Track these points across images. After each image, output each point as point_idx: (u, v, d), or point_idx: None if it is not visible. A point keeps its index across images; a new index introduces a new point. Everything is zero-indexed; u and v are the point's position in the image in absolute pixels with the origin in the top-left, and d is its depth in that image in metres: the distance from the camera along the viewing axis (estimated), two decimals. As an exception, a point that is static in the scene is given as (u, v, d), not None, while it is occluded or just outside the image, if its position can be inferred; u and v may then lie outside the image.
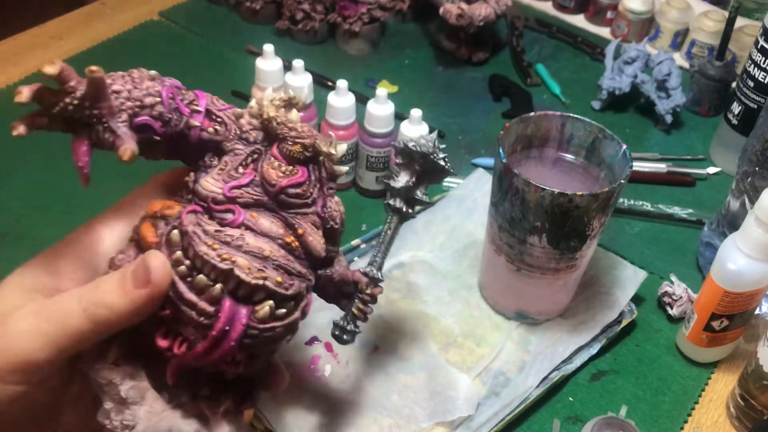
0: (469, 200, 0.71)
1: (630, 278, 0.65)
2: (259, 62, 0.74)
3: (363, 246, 0.67)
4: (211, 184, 0.37)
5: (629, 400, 0.59)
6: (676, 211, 0.77)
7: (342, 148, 0.41)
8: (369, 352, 0.59)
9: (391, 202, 0.48)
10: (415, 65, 0.95)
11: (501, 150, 0.54)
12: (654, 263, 0.70)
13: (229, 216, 0.36)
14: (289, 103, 0.39)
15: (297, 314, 0.37)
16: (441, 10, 0.89)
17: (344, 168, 0.42)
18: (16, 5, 1.21)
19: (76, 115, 0.34)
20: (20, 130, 0.32)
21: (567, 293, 0.62)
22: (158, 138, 0.37)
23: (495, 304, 0.63)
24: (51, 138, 0.37)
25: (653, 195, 0.78)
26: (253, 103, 0.40)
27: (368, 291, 0.47)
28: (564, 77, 0.94)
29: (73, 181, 0.35)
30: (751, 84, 0.76)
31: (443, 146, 0.48)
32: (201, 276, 0.34)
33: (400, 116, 0.71)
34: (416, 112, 0.67)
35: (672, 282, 0.66)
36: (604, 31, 1.03)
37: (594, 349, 0.61)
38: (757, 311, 0.65)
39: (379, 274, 0.47)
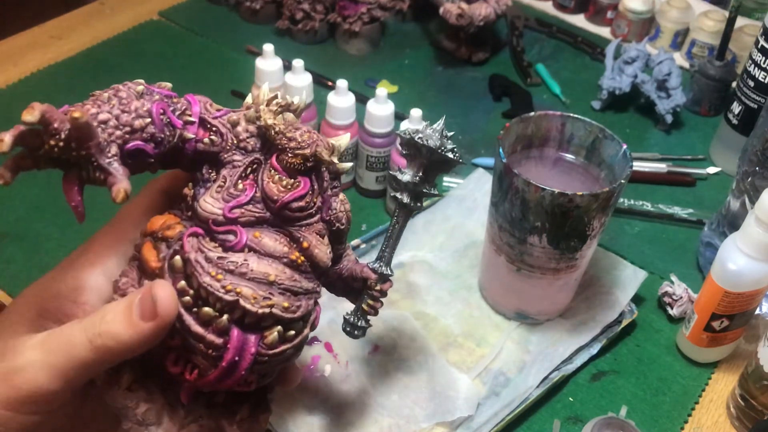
0: (469, 200, 0.71)
1: (630, 278, 0.65)
2: (259, 62, 0.74)
3: (363, 246, 0.67)
4: (210, 204, 0.35)
5: (629, 400, 0.59)
6: (677, 211, 0.77)
7: (344, 140, 0.39)
8: (369, 352, 0.59)
9: (398, 195, 0.47)
10: (415, 65, 0.95)
11: (501, 150, 0.54)
12: (654, 263, 0.70)
13: (231, 238, 0.34)
14: (287, 108, 0.38)
15: (306, 331, 0.37)
16: (441, 10, 0.89)
17: (348, 164, 0.40)
18: (16, 5, 1.20)
19: (62, 156, 0.32)
20: (6, 177, 0.31)
21: (567, 293, 0.62)
22: (152, 160, 0.35)
23: (495, 304, 0.63)
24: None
25: (653, 195, 0.78)
26: (249, 99, 0.38)
27: (377, 287, 0.46)
28: (564, 77, 0.94)
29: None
30: (752, 84, 0.76)
31: (451, 134, 0.46)
32: (207, 308, 0.33)
33: (400, 116, 0.71)
34: (416, 112, 0.67)
35: (672, 282, 0.66)
36: (605, 31, 1.03)
37: (594, 349, 0.61)
38: (757, 311, 0.65)
39: (387, 269, 0.46)
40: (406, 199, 0.46)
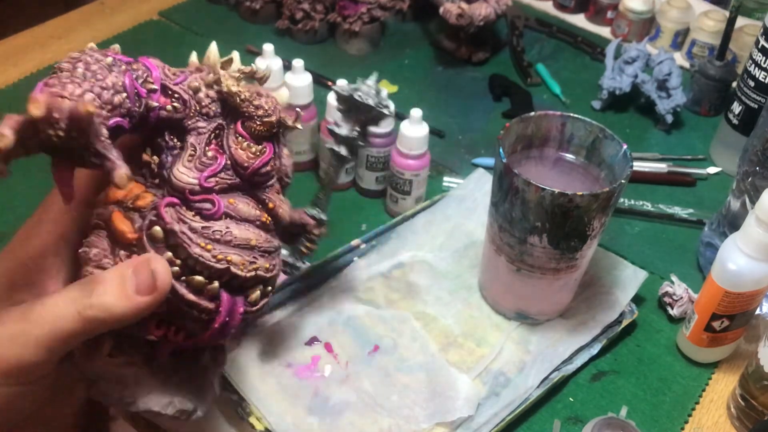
0: (469, 200, 0.71)
1: (630, 278, 0.65)
2: (259, 62, 0.74)
3: (363, 246, 0.67)
4: (185, 174, 0.35)
5: (630, 401, 0.59)
6: (677, 211, 0.77)
7: (284, 95, 0.39)
8: (369, 352, 0.59)
9: (335, 148, 0.50)
10: (415, 65, 0.95)
11: (501, 150, 0.54)
12: (654, 263, 0.70)
13: (208, 206, 0.35)
14: (252, 76, 0.38)
15: (277, 281, 0.39)
16: (441, 10, 0.89)
17: (300, 125, 0.41)
18: (16, 5, 1.20)
19: (59, 144, 0.31)
20: (3, 171, 0.29)
21: (567, 293, 0.62)
22: (126, 133, 0.34)
23: (495, 304, 0.63)
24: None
25: (653, 195, 0.78)
26: (194, 58, 0.37)
27: (315, 231, 0.49)
28: (564, 77, 0.94)
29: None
30: (752, 84, 0.76)
31: (384, 92, 0.50)
32: (198, 277, 0.34)
33: (400, 116, 0.71)
34: (416, 112, 0.67)
35: (672, 282, 0.66)
36: (605, 31, 1.03)
37: (594, 350, 0.61)
38: (757, 311, 0.65)
39: (323, 215, 0.49)
40: (343, 152, 0.49)
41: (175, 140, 0.36)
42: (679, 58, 0.98)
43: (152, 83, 0.35)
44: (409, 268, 0.66)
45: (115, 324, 0.33)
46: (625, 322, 0.63)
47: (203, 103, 0.37)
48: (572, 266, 0.57)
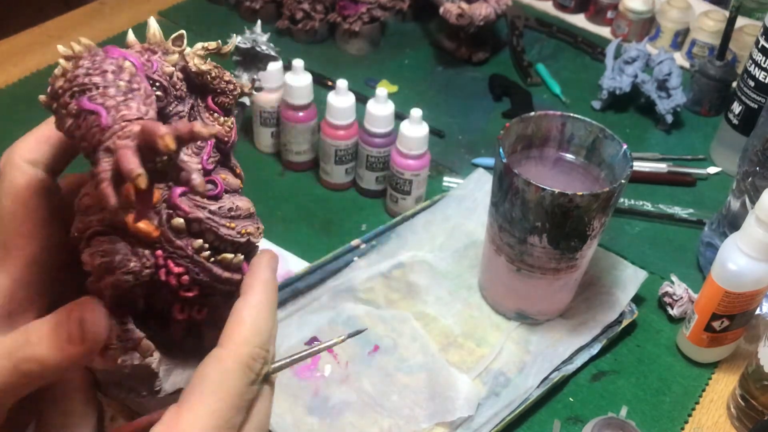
0: (469, 200, 0.71)
1: (630, 278, 0.65)
2: (259, 62, 0.74)
3: (363, 246, 0.67)
4: (188, 161, 0.35)
5: (630, 401, 0.59)
6: (677, 211, 0.77)
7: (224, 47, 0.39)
8: (369, 352, 0.59)
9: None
10: (415, 65, 0.95)
11: (501, 150, 0.54)
12: (654, 263, 0.70)
13: (211, 187, 0.36)
14: (219, 52, 0.38)
15: None
16: (441, 10, 0.89)
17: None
18: (16, 5, 1.20)
19: (161, 167, 0.28)
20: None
21: (567, 293, 0.62)
22: None
23: (495, 304, 0.63)
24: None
25: (654, 195, 0.78)
26: (132, 38, 0.35)
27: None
28: (564, 77, 0.94)
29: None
30: (752, 84, 0.76)
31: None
32: (227, 255, 0.35)
33: (400, 116, 0.71)
34: (416, 112, 0.67)
35: (672, 282, 0.66)
36: (605, 31, 1.03)
37: (594, 350, 0.61)
38: (757, 311, 0.65)
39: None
40: (247, 102, 0.51)
41: None
42: (679, 58, 0.98)
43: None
44: (409, 268, 0.66)
45: (53, 377, 0.30)
46: (625, 322, 0.63)
47: (177, 86, 0.36)
48: (572, 266, 0.57)
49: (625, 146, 0.56)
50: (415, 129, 0.68)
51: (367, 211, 0.74)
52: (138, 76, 0.31)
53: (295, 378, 0.56)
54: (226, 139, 0.37)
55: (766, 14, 0.74)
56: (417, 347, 0.59)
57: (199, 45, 0.38)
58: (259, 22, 0.56)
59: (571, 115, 0.58)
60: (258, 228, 0.37)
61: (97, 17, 0.98)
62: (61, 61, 0.32)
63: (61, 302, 0.32)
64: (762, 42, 0.74)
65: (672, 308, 0.65)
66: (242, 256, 0.36)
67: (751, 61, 0.76)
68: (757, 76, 0.76)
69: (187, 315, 0.36)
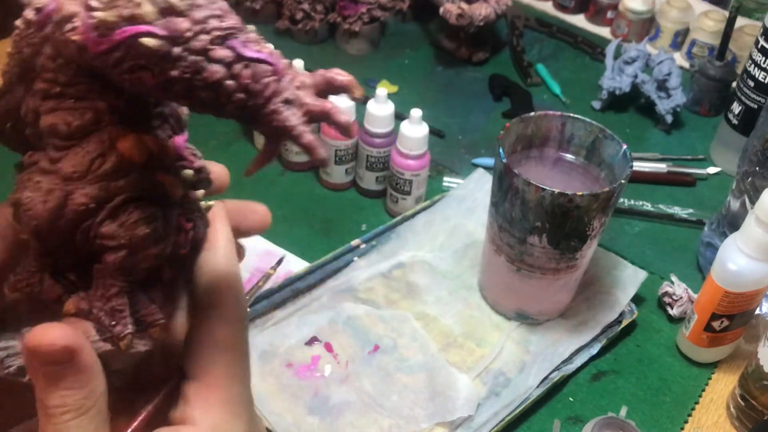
0: (469, 200, 0.71)
1: (630, 278, 0.65)
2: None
3: (363, 246, 0.67)
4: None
5: (629, 401, 0.59)
6: (677, 211, 0.77)
7: None
8: (369, 352, 0.59)
9: None
10: (415, 65, 0.95)
11: (501, 150, 0.54)
12: (654, 263, 0.70)
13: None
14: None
15: None
16: (441, 10, 0.89)
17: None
18: (16, 5, 1.20)
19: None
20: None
21: (567, 293, 0.62)
22: None
23: (495, 304, 0.63)
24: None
25: (653, 195, 0.78)
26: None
27: None
28: (564, 77, 0.94)
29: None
30: (752, 84, 0.76)
31: None
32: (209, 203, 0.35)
33: (400, 116, 0.71)
34: (416, 112, 0.67)
35: (672, 282, 0.66)
36: (605, 31, 1.03)
37: (594, 349, 0.61)
38: (757, 311, 0.65)
39: None
40: None
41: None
42: (679, 58, 0.98)
43: None
44: (409, 268, 0.66)
45: None
46: (624, 322, 0.63)
47: None
48: (572, 266, 0.58)
49: (624, 146, 0.56)
50: (415, 129, 0.68)
51: (367, 211, 0.74)
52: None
53: (295, 378, 0.56)
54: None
55: (766, 14, 0.74)
56: (417, 347, 0.59)
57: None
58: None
59: (571, 115, 0.59)
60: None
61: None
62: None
63: None
64: (762, 42, 0.74)
65: (672, 308, 0.65)
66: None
67: (750, 62, 0.76)
68: (756, 76, 0.76)
69: (172, 274, 0.31)
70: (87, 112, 0.30)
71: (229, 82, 0.27)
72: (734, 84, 0.84)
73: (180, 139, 0.31)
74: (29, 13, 0.31)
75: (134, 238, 0.30)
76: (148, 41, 0.27)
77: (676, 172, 0.81)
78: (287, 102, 0.27)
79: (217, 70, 0.27)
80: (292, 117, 0.27)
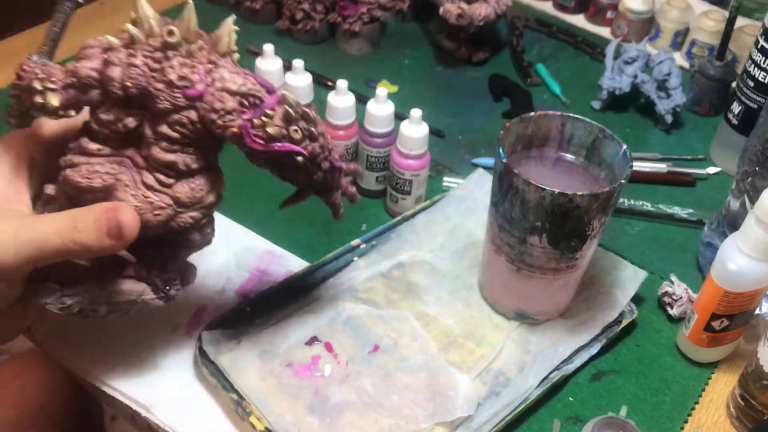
0: (469, 200, 0.71)
1: (630, 278, 0.65)
2: (259, 62, 0.74)
3: (363, 246, 0.67)
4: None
5: (629, 400, 0.59)
6: (677, 211, 0.77)
7: None
8: (369, 351, 0.59)
9: None
10: (415, 65, 0.95)
11: (501, 150, 0.54)
12: (654, 263, 0.70)
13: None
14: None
15: None
16: (441, 10, 0.89)
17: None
18: (16, 5, 1.20)
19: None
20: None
21: (567, 293, 0.62)
22: None
23: (495, 304, 0.63)
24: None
25: (653, 195, 0.78)
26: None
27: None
28: (564, 77, 0.94)
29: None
30: (752, 84, 0.76)
31: None
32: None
33: (400, 116, 0.71)
34: (416, 112, 0.67)
35: (672, 282, 0.66)
36: (604, 31, 1.03)
37: (594, 349, 0.61)
38: (757, 311, 0.65)
39: (44, 58, 0.49)
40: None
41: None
42: (679, 58, 0.98)
43: None
44: (409, 268, 0.66)
45: (93, 255, 0.44)
46: (624, 322, 0.63)
47: None
48: (572, 266, 0.58)
49: (624, 146, 0.56)
50: (415, 129, 0.68)
51: (367, 211, 0.74)
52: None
53: (295, 378, 0.56)
54: None
55: (766, 14, 0.74)
56: (417, 347, 0.59)
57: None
58: None
59: (571, 115, 0.59)
60: None
61: (97, 17, 0.98)
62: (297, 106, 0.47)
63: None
64: (761, 42, 0.74)
65: (672, 308, 0.65)
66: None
67: (750, 62, 0.76)
68: (756, 76, 0.76)
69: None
70: (200, 160, 0.46)
71: (320, 179, 0.51)
72: (734, 84, 0.84)
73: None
74: (171, 74, 0.44)
75: (204, 243, 0.51)
76: (298, 159, 0.47)
77: (676, 172, 0.81)
78: (338, 188, 0.54)
79: (320, 175, 0.50)
80: (338, 198, 0.55)
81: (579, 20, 1.05)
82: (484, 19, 0.89)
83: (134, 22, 0.46)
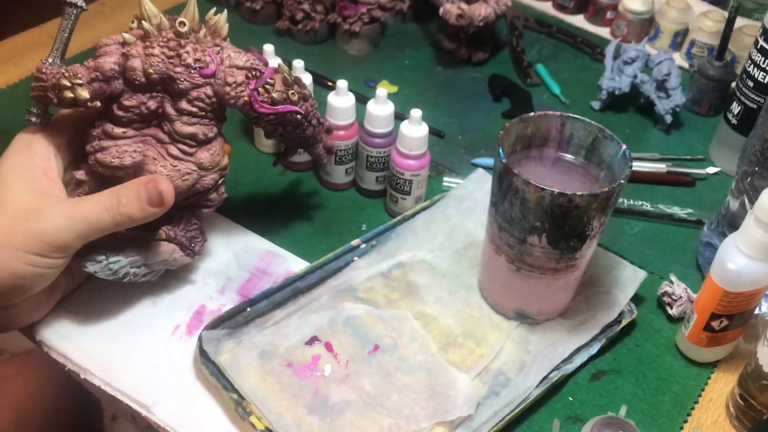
0: (469, 200, 0.72)
1: (630, 278, 0.65)
2: (259, 62, 0.74)
3: (363, 246, 0.67)
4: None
5: (629, 400, 0.59)
6: (676, 211, 0.77)
7: None
8: (369, 351, 0.59)
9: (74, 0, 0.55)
10: (415, 65, 0.95)
11: (501, 150, 0.54)
12: (654, 263, 0.70)
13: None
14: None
15: None
16: (441, 11, 0.89)
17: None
18: (16, 5, 1.21)
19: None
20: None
21: (567, 293, 0.62)
22: None
23: (495, 304, 0.63)
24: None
25: (653, 195, 0.78)
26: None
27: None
28: (564, 77, 0.94)
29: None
30: (751, 84, 0.77)
31: None
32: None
33: (400, 116, 0.71)
34: (416, 112, 0.67)
35: (672, 282, 0.66)
36: (604, 31, 1.03)
37: (594, 349, 0.61)
38: (756, 311, 0.65)
39: (58, 60, 0.54)
40: (79, 2, 0.54)
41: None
42: (679, 59, 0.98)
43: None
44: (409, 268, 0.66)
45: (136, 224, 0.51)
46: (624, 322, 0.63)
47: None
48: (572, 266, 0.58)
49: (624, 146, 0.56)
50: (415, 129, 0.68)
51: (367, 211, 0.74)
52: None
53: (295, 377, 0.56)
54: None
55: (766, 15, 0.74)
56: (417, 347, 0.59)
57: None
58: None
59: (571, 115, 0.59)
60: None
61: (97, 17, 0.98)
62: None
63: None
64: (761, 42, 0.74)
65: (671, 308, 0.65)
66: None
67: (750, 62, 0.76)
68: (756, 76, 0.76)
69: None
70: (214, 128, 0.56)
71: (310, 133, 0.61)
72: (733, 84, 0.84)
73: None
74: (188, 59, 0.53)
75: (219, 201, 0.59)
76: (297, 116, 0.57)
77: (675, 172, 0.81)
78: (321, 141, 0.64)
79: (311, 129, 0.60)
80: (321, 149, 0.65)
81: (579, 20, 1.05)
82: (484, 20, 0.89)
83: (140, 20, 0.54)
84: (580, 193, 0.51)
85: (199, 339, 0.57)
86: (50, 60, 0.53)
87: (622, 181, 0.53)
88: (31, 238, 0.48)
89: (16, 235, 0.49)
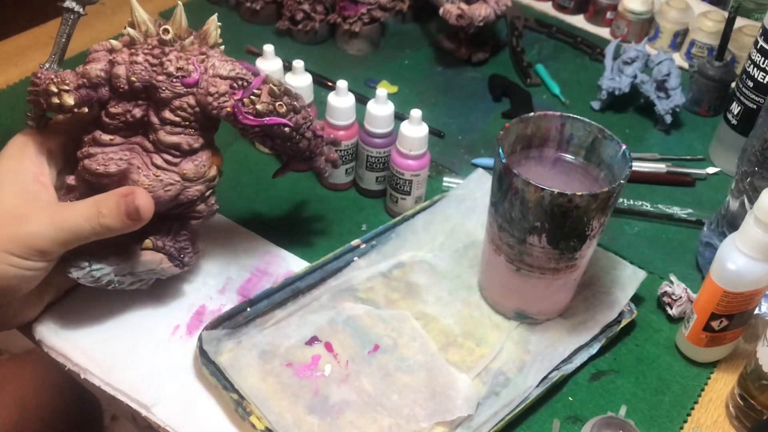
0: (469, 200, 0.72)
1: (629, 278, 0.65)
2: (259, 62, 0.75)
3: (363, 246, 0.67)
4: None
5: (629, 400, 0.59)
6: (676, 211, 0.77)
7: None
8: (369, 351, 0.59)
9: (68, 5, 0.55)
10: (415, 65, 0.95)
11: (501, 150, 0.54)
12: (654, 263, 0.71)
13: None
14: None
15: None
16: (441, 11, 0.89)
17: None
18: (16, 5, 1.21)
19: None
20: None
21: (567, 293, 0.62)
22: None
23: (495, 304, 0.63)
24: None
25: (653, 195, 0.78)
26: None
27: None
28: (564, 77, 0.94)
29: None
30: (751, 84, 0.77)
31: None
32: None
33: (400, 116, 0.71)
34: (416, 112, 0.67)
35: (671, 282, 0.67)
36: (604, 32, 1.03)
37: (594, 349, 0.61)
38: (756, 311, 0.65)
39: (55, 65, 0.54)
40: (77, 8, 0.54)
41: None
42: (678, 59, 0.98)
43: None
44: (409, 268, 0.66)
45: (117, 234, 0.51)
46: (624, 322, 0.63)
47: None
48: (571, 266, 0.58)
49: (624, 146, 0.56)
50: (415, 129, 0.68)
51: (367, 211, 0.74)
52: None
53: (295, 377, 0.56)
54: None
55: (765, 15, 0.74)
56: (417, 347, 0.59)
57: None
58: None
59: (571, 115, 0.59)
60: None
61: (98, 17, 0.98)
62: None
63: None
64: (761, 42, 0.74)
65: (671, 308, 0.65)
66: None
67: (749, 62, 0.76)
68: (755, 76, 0.76)
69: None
70: (200, 139, 0.54)
71: (305, 146, 0.58)
72: (733, 84, 0.84)
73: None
74: (170, 67, 0.52)
75: (208, 212, 0.58)
76: (285, 129, 0.55)
77: (675, 172, 0.81)
78: (322, 154, 0.62)
79: (305, 143, 0.58)
80: (323, 163, 0.62)
81: (578, 21, 1.05)
82: (484, 20, 0.89)
83: (131, 25, 0.53)
84: (579, 193, 0.51)
85: (199, 339, 0.57)
86: (47, 65, 0.53)
87: (622, 181, 0.53)
88: (13, 241, 0.49)
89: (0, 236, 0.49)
